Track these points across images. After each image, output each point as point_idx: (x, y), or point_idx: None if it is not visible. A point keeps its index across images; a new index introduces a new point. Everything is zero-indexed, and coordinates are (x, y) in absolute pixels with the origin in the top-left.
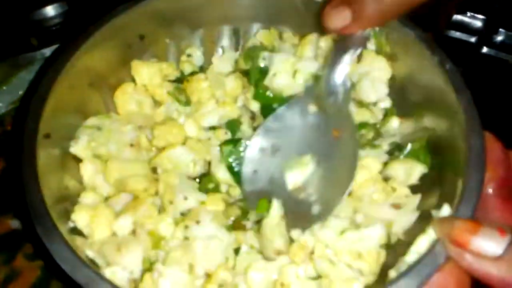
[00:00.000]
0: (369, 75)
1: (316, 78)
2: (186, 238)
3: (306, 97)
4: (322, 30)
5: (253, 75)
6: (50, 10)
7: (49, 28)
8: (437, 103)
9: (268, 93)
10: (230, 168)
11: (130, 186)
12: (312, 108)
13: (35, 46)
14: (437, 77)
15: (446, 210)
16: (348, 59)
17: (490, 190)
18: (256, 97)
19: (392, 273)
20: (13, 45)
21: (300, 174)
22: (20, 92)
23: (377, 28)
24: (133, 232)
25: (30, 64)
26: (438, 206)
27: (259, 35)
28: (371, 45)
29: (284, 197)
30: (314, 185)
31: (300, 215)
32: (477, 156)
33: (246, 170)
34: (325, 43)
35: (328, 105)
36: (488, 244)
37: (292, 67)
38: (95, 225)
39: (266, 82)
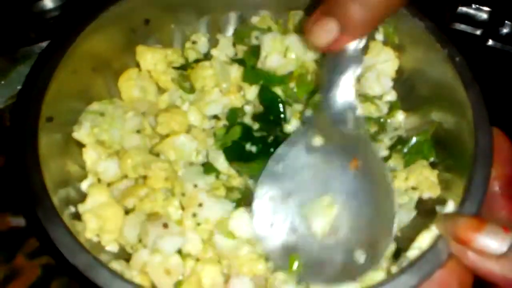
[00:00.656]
0: (375, 67)
1: (315, 106)
2: (198, 224)
3: (308, 129)
4: None
5: (248, 59)
6: (48, 2)
7: (48, 21)
8: (445, 97)
9: (260, 73)
10: (226, 153)
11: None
12: (318, 140)
13: (33, 39)
14: (446, 71)
15: (450, 206)
16: (348, 80)
17: (497, 189)
18: (247, 78)
19: (394, 269)
20: (12, 39)
21: (325, 218)
22: (18, 87)
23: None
24: None
25: (28, 58)
26: (443, 202)
27: (253, 19)
28: (379, 36)
29: (313, 247)
30: (346, 227)
31: (340, 265)
32: (484, 152)
33: (260, 225)
34: None
35: (337, 135)
36: (492, 242)
37: (282, 45)
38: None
39: (259, 65)
